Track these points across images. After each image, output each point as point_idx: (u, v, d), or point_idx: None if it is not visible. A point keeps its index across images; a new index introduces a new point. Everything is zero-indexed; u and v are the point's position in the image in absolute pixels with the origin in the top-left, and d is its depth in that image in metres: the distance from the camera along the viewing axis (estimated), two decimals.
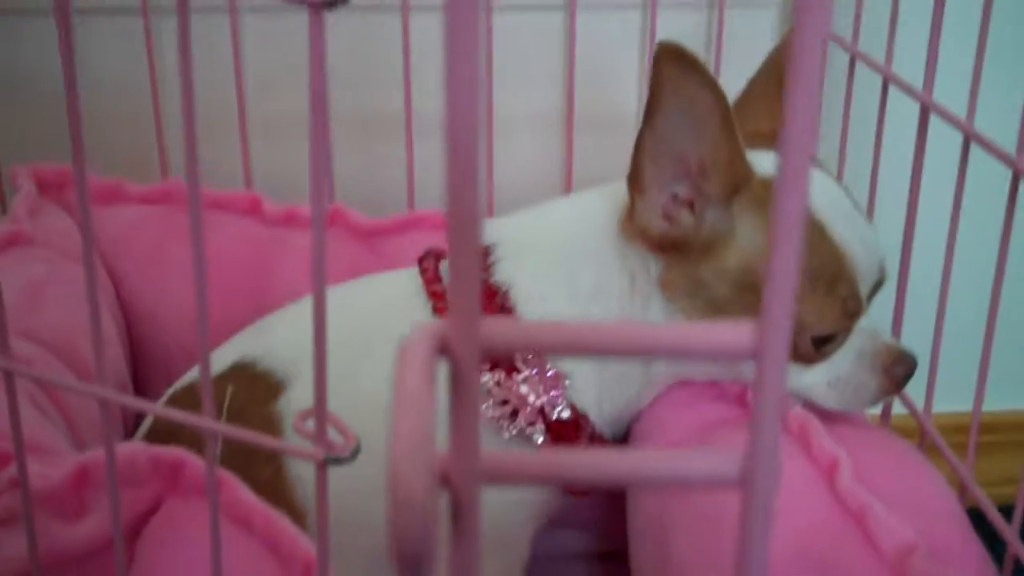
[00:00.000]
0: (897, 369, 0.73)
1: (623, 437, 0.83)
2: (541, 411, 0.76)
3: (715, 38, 1.06)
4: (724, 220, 0.72)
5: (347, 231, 0.99)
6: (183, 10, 0.40)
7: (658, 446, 0.77)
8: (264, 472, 0.77)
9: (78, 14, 1.05)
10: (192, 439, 0.78)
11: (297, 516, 0.77)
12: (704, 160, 0.71)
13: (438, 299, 0.80)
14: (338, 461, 0.52)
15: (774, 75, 0.82)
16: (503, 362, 0.76)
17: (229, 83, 1.05)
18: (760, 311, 0.70)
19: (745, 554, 0.25)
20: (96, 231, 0.99)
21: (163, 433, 0.80)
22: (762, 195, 0.72)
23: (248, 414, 0.78)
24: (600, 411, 0.79)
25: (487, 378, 0.76)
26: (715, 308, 0.73)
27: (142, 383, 0.98)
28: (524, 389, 0.76)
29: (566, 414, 0.76)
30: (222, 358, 0.83)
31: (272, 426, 0.78)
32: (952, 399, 0.90)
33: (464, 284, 0.25)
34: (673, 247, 0.73)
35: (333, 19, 0.93)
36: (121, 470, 0.65)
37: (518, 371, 0.76)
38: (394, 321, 0.80)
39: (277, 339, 0.82)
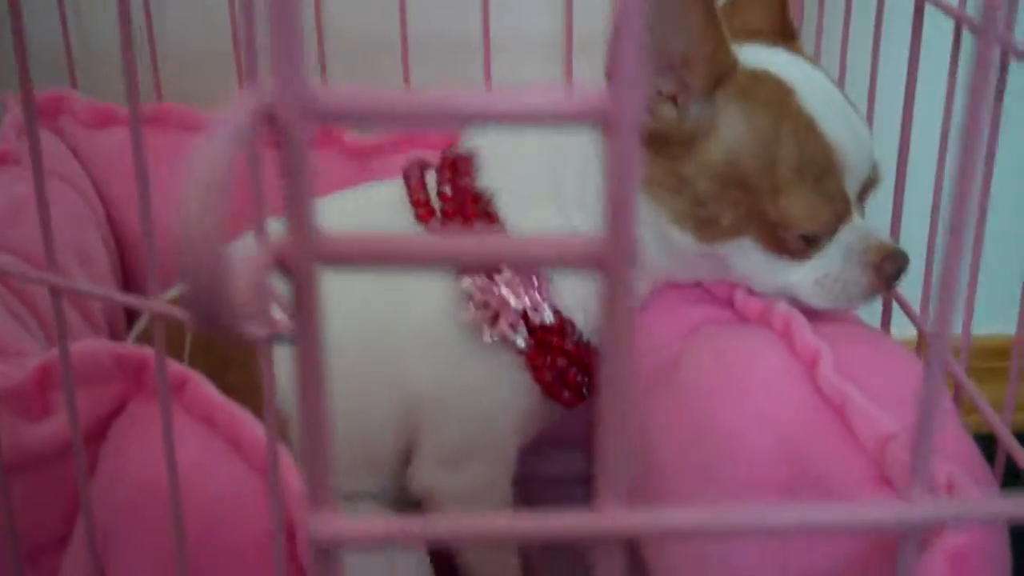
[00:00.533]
0: (887, 266, 0.71)
1: None
2: (524, 315, 0.74)
3: None
4: (707, 113, 0.69)
5: (340, 151, 0.98)
6: None
7: (644, 351, 0.75)
8: (242, 376, 0.76)
9: None
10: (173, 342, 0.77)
11: (282, 422, 0.76)
12: (687, 51, 0.68)
13: (420, 206, 0.78)
14: (280, 339, 0.50)
15: None
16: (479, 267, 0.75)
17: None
18: (745, 204, 0.68)
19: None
20: (88, 154, 0.99)
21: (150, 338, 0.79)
22: (747, 86, 0.70)
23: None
24: (586, 316, 0.77)
25: (467, 282, 0.75)
26: (699, 204, 0.70)
27: None
28: (505, 291, 0.74)
29: (550, 318, 0.75)
30: None
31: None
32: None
33: (288, 40, 0.23)
34: (655, 143, 0.70)
35: None
36: (84, 368, 0.64)
37: (499, 272, 0.74)
38: (376, 229, 0.79)
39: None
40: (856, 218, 0.72)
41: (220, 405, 0.63)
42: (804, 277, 0.71)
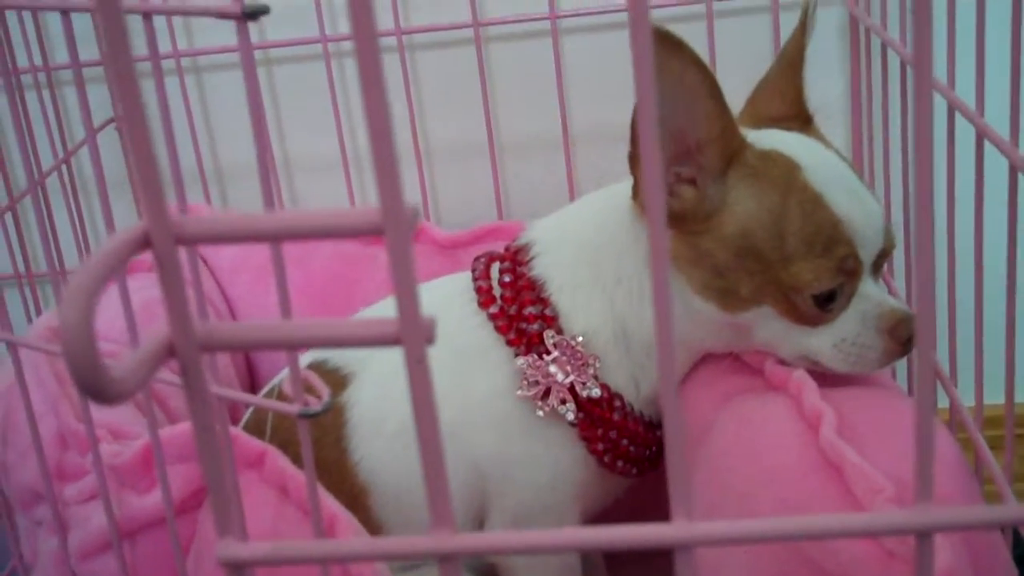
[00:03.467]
0: (900, 330, 0.75)
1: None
2: (572, 390, 0.82)
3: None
4: (721, 191, 0.76)
5: (431, 246, 1.08)
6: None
7: (690, 417, 0.81)
8: (331, 454, 0.86)
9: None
10: (276, 427, 0.88)
11: (361, 492, 0.85)
12: (699, 137, 0.75)
13: (482, 294, 0.87)
14: (311, 415, 0.59)
15: (786, 60, 0.85)
16: (536, 348, 0.82)
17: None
18: (759, 274, 0.74)
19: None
20: (214, 260, 1.12)
21: (255, 425, 0.90)
22: (756, 165, 0.76)
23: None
24: (636, 391, 0.84)
25: (521, 361, 0.82)
26: (719, 275, 0.76)
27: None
28: (553, 369, 0.81)
29: (596, 392, 0.82)
30: (304, 360, 0.93)
31: (336, 417, 0.86)
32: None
33: (151, 177, 0.32)
34: (678, 221, 0.77)
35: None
36: (178, 447, 0.75)
37: (548, 353, 0.82)
38: (445, 316, 0.88)
39: None
40: (869, 285, 0.76)
41: (292, 476, 0.73)
42: (822, 343, 0.76)
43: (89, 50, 1.09)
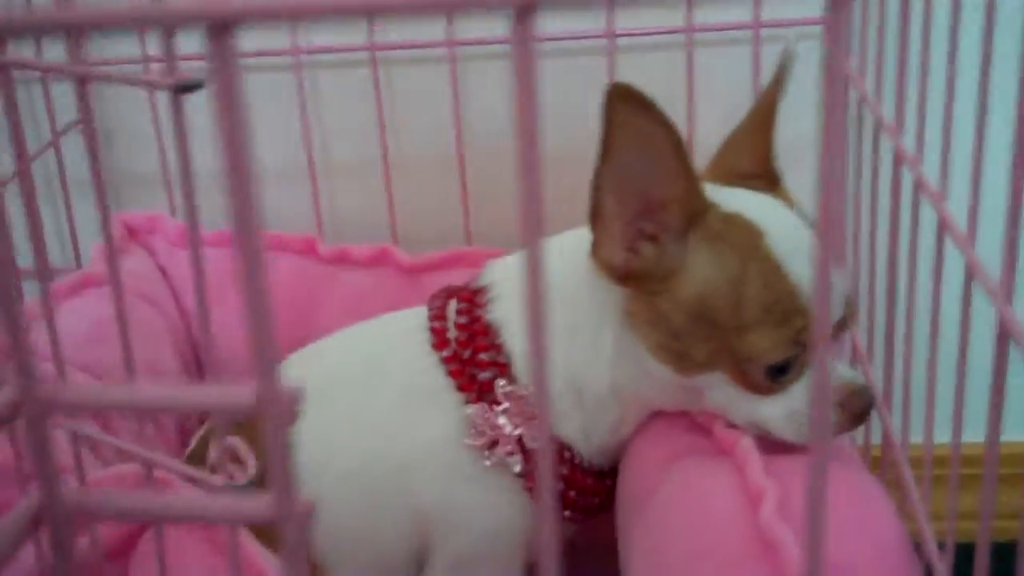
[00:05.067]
0: (854, 403, 0.74)
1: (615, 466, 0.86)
2: (520, 441, 0.80)
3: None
4: (681, 252, 0.74)
5: (394, 269, 1.06)
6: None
7: (636, 476, 0.80)
8: None
9: None
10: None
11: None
12: (663, 194, 0.73)
13: (436, 335, 0.85)
14: (234, 487, 0.58)
15: (758, 117, 0.83)
16: (486, 396, 0.81)
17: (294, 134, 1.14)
18: (715, 340, 0.73)
19: None
20: (174, 271, 1.10)
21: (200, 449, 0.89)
22: (718, 229, 0.74)
23: (258, 446, 0.86)
24: (587, 441, 0.83)
25: (471, 410, 0.81)
26: (674, 338, 0.75)
27: None
28: (502, 420, 0.80)
29: None
30: None
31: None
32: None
33: (22, 348, 0.30)
34: (636, 279, 0.75)
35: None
36: (115, 487, 0.73)
37: (499, 403, 0.81)
38: (400, 353, 0.86)
39: (291, 375, 0.90)
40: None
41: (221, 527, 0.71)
42: (773, 412, 0.75)
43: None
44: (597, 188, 0.72)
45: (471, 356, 0.83)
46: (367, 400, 0.86)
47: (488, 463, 0.81)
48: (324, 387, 0.87)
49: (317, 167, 1.16)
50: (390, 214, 1.15)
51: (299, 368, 0.90)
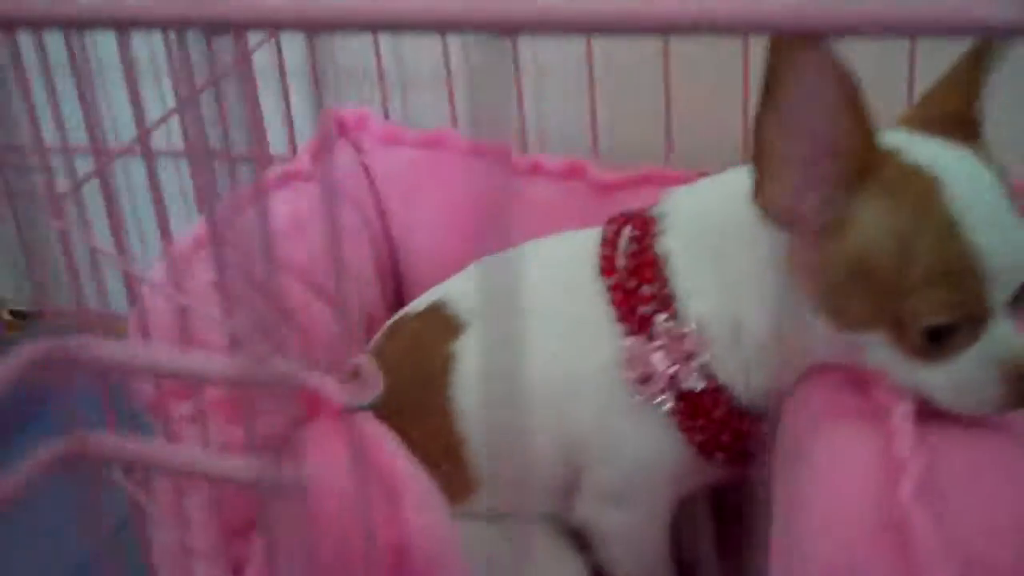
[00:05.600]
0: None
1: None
2: (673, 379, 0.79)
3: None
4: (848, 203, 0.70)
5: (586, 184, 1.05)
6: None
7: (789, 429, 0.78)
8: (436, 400, 0.87)
9: None
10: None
11: (459, 443, 0.86)
12: (835, 144, 0.69)
13: (604, 262, 0.84)
14: (357, 408, 0.60)
15: (973, 57, 0.76)
16: (646, 330, 0.80)
17: None
18: (875, 299, 0.69)
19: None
20: (376, 169, 1.13)
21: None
22: (893, 183, 0.70)
23: (430, 350, 0.88)
24: (747, 383, 0.81)
25: (628, 342, 0.80)
26: (833, 291, 0.71)
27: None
28: (656, 357, 0.79)
29: (699, 385, 0.79)
30: (431, 296, 0.93)
31: (445, 363, 0.87)
32: None
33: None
34: (799, 225, 0.72)
35: None
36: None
37: (656, 338, 0.79)
38: (566, 277, 0.86)
39: (468, 284, 0.91)
40: (1003, 326, 0.69)
41: (371, 435, 0.74)
42: (937, 381, 0.70)
43: None
44: (761, 128, 0.68)
45: (636, 287, 0.82)
46: (536, 321, 0.86)
47: (639, 398, 0.80)
48: (500, 301, 0.88)
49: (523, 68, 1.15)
50: (592, 125, 1.14)
51: (469, 283, 0.91)
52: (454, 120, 1.18)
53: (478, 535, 0.87)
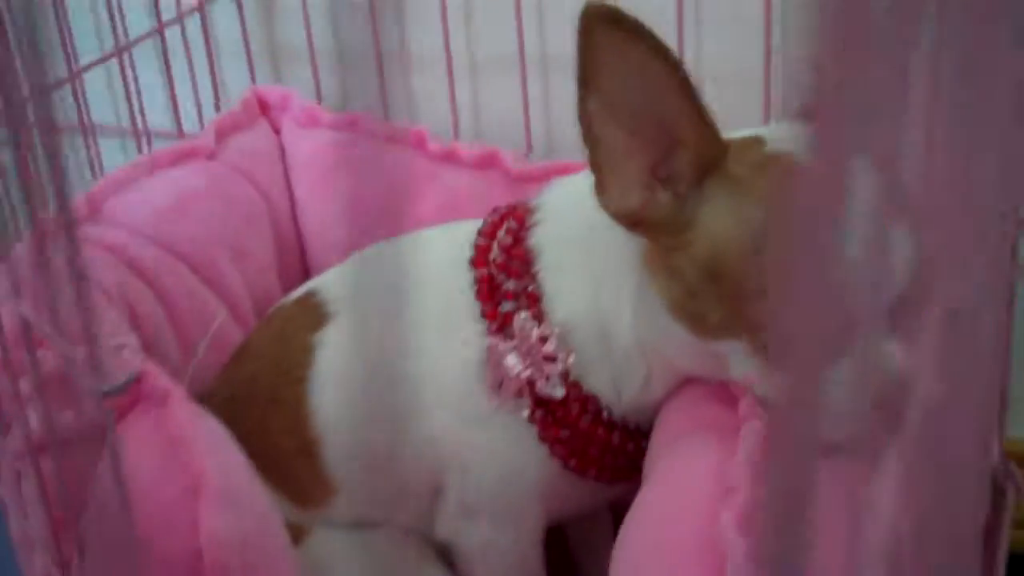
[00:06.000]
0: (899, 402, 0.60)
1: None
2: (531, 385, 0.72)
3: None
4: (695, 201, 0.63)
5: (500, 175, 0.99)
6: None
7: (652, 444, 0.71)
8: (291, 394, 0.81)
9: None
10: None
11: (314, 442, 0.80)
12: (673, 133, 0.63)
13: (478, 252, 0.77)
14: (107, 392, 0.54)
15: None
16: (507, 329, 0.73)
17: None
18: (731, 304, 0.62)
19: None
20: (289, 152, 1.07)
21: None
22: (742, 176, 0.63)
23: (292, 339, 0.82)
24: (618, 396, 0.74)
25: (491, 340, 0.74)
26: (690, 296, 0.65)
27: None
28: (511, 360, 0.72)
29: (558, 393, 0.72)
30: (310, 284, 0.87)
31: (305, 354, 0.81)
32: None
33: None
34: (652, 228, 0.65)
35: None
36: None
37: (512, 338, 0.72)
38: (440, 270, 0.80)
39: (340, 273, 0.85)
40: (874, 342, 0.61)
41: (185, 424, 0.68)
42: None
43: None
44: (585, 118, 0.62)
45: (502, 282, 0.75)
46: (402, 313, 0.79)
47: (494, 405, 0.73)
48: (366, 292, 0.82)
49: (461, 59, 1.09)
50: (525, 116, 1.07)
51: (350, 269, 0.85)
52: None
53: (334, 546, 0.80)
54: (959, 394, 0.52)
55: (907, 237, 0.61)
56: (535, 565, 0.80)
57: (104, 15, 1.07)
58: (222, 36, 1.19)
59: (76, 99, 1.02)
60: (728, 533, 0.54)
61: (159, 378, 0.71)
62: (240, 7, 1.14)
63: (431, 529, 0.81)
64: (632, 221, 0.65)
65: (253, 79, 1.17)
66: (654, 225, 0.64)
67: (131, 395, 0.72)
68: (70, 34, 1.05)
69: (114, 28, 1.06)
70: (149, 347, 0.85)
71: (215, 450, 0.69)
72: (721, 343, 0.64)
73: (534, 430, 0.73)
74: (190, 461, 0.66)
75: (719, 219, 0.62)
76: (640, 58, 0.59)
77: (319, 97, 1.16)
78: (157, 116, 1.12)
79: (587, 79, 0.60)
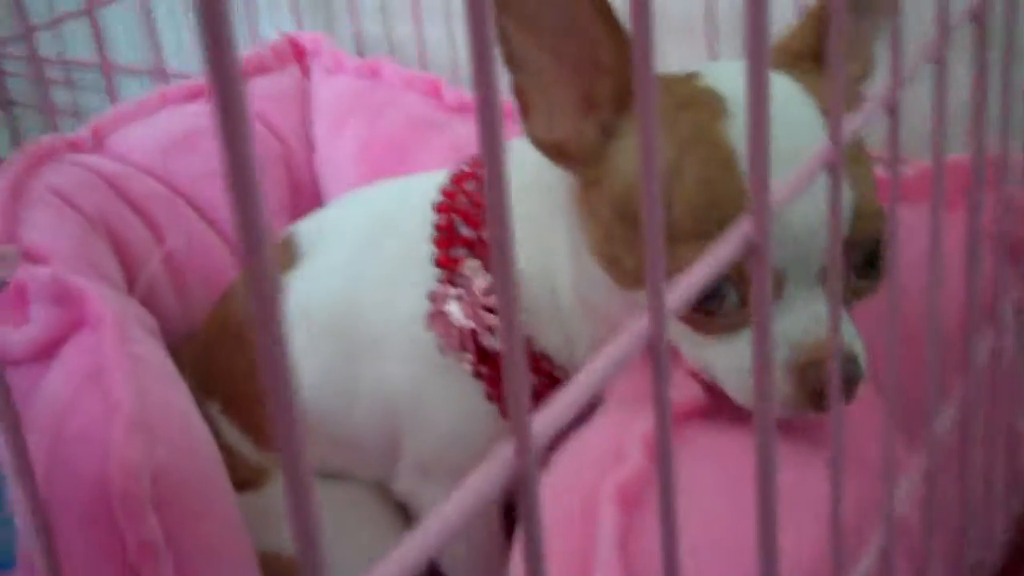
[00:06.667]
0: (809, 375, 0.54)
1: None
2: (473, 337, 0.68)
3: None
4: (613, 135, 0.59)
5: (515, 130, 0.95)
6: None
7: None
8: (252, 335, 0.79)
9: None
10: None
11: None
12: (594, 57, 0.58)
13: (444, 197, 0.74)
14: None
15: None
16: (455, 275, 0.69)
17: None
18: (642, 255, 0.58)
19: None
20: (314, 97, 1.06)
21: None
22: (666, 110, 0.57)
23: None
24: (571, 353, 0.69)
25: (438, 288, 0.70)
26: (607, 239, 0.60)
27: None
28: (452, 307, 0.68)
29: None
30: (295, 225, 0.85)
31: None
32: None
33: None
34: (575, 161, 0.61)
35: None
36: (52, 289, 0.71)
37: (457, 286, 0.69)
38: (408, 216, 0.76)
39: (319, 215, 0.83)
40: (801, 298, 0.56)
41: (111, 352, 0.67)
42: (719, 363, 0.57)
43: None
44: (501, 41, 0.57)
45: (460, 229, 0.71)
46: (366, 256, 0.77)
47: (439, 353, 0.69)
48: (336, 235, 0.79)
49: None
50: None
51: (328, 212, 0.83)
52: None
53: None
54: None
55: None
56: (493, 531, 0.76)
57: None
58: None
59: (97, 37, 1.03)
60: (604, 503, 0.50)
61: (97, 303, 0.70)
62: None
63: (391, 485, 0.78)
64: (558, 152, 0.61)
65: (300, 25, 1.16)
66: (578, 158, 0.60)
67: (74, 317, 0.71)
68: None
69: None
70: (130, 273, 0.85)
71: (139, 380, 0.67)
72: (640, 294, 0.59)
73: (482, 387, 0.70)
74: (109, 389, 0.65)
75: (630, 154, 0.57)
76: None
77: (360, 45, 1.14)
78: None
79: (503, 2, 0.56)
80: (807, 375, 0.54)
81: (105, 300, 0.70)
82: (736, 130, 0.55)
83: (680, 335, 0.59)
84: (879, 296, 0.58)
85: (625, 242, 0.58)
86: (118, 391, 0.65)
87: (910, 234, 0.58)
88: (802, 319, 0.55)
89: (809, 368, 0.54)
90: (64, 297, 0.70)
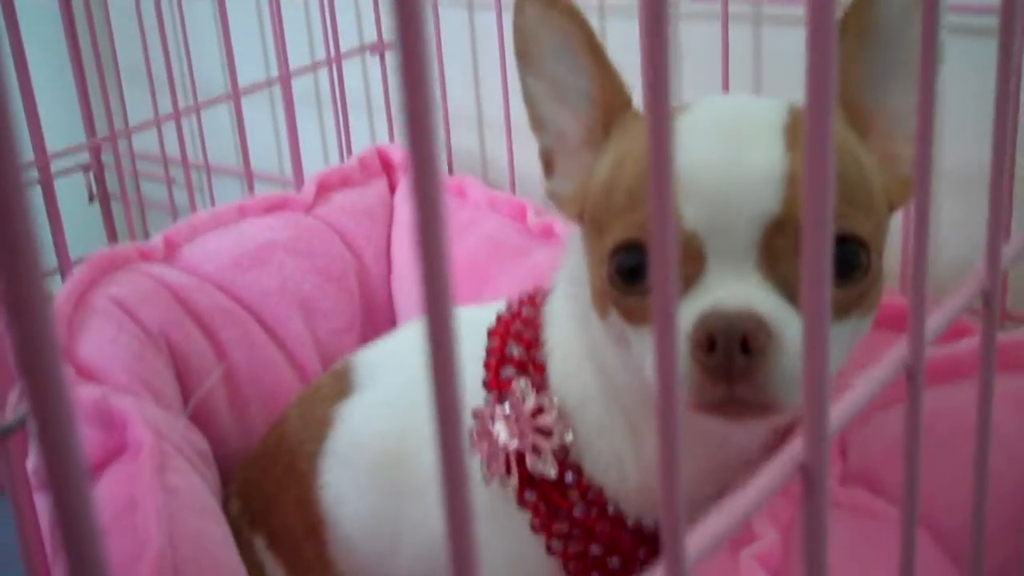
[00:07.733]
0: (700, 342, 0.48)
1: None
2: (519, 460, 0.63)
3: None
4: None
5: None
6: None
7: None
8: (303, 465, 0.75)
9: None
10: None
11: (319, 523, 0.74)
12: (588, 94, 0.61)
13: (498, 323, 0.70)
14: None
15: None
16: (505, 396, 0.65)
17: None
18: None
19: None
20: (397, 213, 1.03)
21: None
22: (631, 125, 0.59)
23: (316, 408, 0.77)
24: (622, 479, 0.64)
25: (482, 408, 0.65)
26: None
27: None
28: (499, 428, 0.64)
29: (550, 470, 0.62)
30: (354, 354, 0.82)
31: (323, 427, 0.75)
32: None
33: None
34: (582, 210, 0.60)
35: None
36: (94, 412, 0.69)
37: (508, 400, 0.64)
38: (467, 343, 0.72)
39: (379, 344, 0.80)
40: (725, 276, 0.50)
41: (147, 484, 0.65)
42: (649, 357, 0.53)
43: None
44: (527, 100, 0.62)
45: (512, 350, 0.67)
46: (418, 390, 0.72)
47: (483, 481, 0.64)
48: (392, 366, 0.76)
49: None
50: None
51: (388, 342, 0.80)
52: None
53: None
54: None
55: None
56: None
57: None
58: (371, 89, 1.19)
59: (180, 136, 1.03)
60: None
61: (139, 429, 0.68)
62: (383, 61, 1.14)
63: None
64: (572, 204, 0.61)
65: (391, 136, 1.15)
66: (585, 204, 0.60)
67: (115, 443, 0.69)
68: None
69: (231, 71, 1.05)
70: (187, 388, 0.83)
71: (172, 514, 0.64)
72: (609, 319, 0.56)
73: (527, 518, 0.64)
74: (140, 525, 0.62)
75: (607, 158, 0.59)
76: (559, 21, 0.59)
77: (450, 161, 1.12)
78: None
79: (522, 53, 0.60)
80: (701, 343, 0.48)
81: (147, 425, 0.68)
82: (679, 122, 0.54)
83: (634, 344, 0.55)
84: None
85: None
86: (150, 527, 0.62)
87: None
88: (716, 296, 0.50)
89: (703, 333, 0.49)
90: (107, 421, 0.68)
